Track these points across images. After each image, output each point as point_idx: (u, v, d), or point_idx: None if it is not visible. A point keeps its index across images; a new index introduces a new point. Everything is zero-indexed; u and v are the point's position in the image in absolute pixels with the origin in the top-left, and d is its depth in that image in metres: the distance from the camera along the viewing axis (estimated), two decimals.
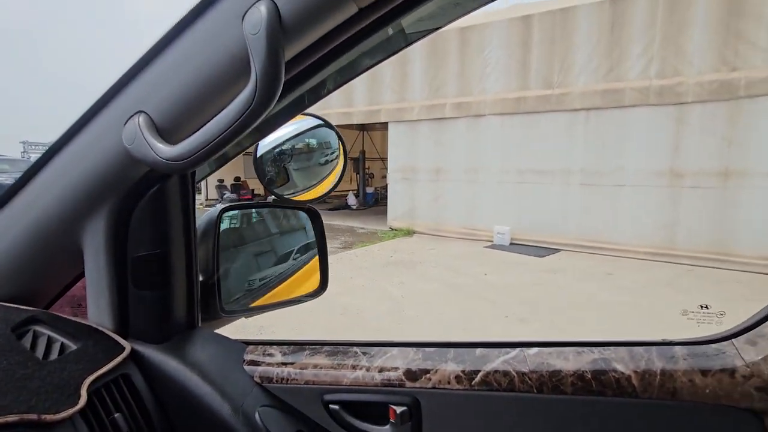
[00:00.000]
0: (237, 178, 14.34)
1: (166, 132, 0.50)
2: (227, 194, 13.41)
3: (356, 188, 14.45)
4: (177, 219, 0.62)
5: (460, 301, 4.79)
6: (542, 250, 7.19)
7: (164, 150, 0.47)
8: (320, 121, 0.80)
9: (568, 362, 0.58)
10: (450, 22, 0.54)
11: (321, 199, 0.92)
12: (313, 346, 0.67)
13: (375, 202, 13.77)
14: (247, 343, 0.70)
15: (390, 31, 0.52)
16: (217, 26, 0.45)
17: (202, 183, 14.41)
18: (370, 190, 14.22)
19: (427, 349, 0.64)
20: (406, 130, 9.21)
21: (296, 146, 0.83)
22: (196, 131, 0.47)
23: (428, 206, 9.05)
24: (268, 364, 0.65)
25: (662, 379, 0.54)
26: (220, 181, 13.92)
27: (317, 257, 0.88)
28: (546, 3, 7.48)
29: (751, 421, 0.52)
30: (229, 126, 0.43)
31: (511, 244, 7.67)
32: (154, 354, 0.62)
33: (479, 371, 0.59)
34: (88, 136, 0.54)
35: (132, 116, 0.50)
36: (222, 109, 0.45)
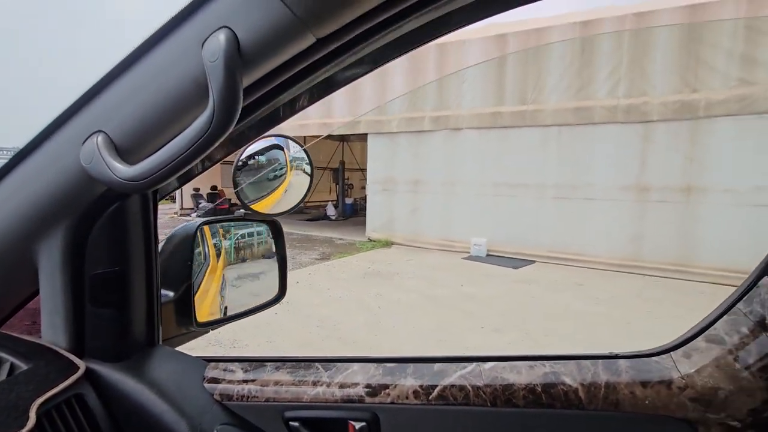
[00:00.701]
0: (214, 187, 14.09)
1: (126, 152, 0.50)
2: (203, 203, 13.14)
3: (335, 199, 14.42)
4: (137, 236, 0.61)
5: (437, 312, 4.82)
6: (517, 262, 7.33)
7: (122, 170, 0.47)
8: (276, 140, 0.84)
9: (520, 376, 0.61)
10: (406, 53, 0.56)
11: (291, 211, 0.94)
12: (275, 363, 0.68)
13: (354, 212, 13.75)
14: (209, 360, 0.69)
15: (351, 59, 0.54)
16: (179, 51, 0.46)
17: (177, 192, 14.09)
18: (349, 200, 14.21)
19: (387, 365, 0.65)
20: (386, 142, 9.30)
21: (261, 161, 0.85)
22: (155, 152, 0.48)
23: (406, 218, 9.12)
24: (229, 382, 0.65)
25: (606, 392, 0.57)
26: (196, 189, 13.64)
27: (278, 266, 0.91)
28: (520, 23, 7.76)
29: (686, 430, 0.56)
30: (186, 149, 0.44)
31: (488, 255, 7.80)
32: (110, 373, 0.61)
33: (436, 386, 0.61)
34: (45, 154, 0.54)
35: (91, 135, 0.50)
36: (181, 131, 0.46)
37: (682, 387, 0.56)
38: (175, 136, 0.47)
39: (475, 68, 8.05)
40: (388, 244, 9.10)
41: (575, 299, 5.32)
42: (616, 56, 6.78)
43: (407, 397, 0.61)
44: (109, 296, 0.61)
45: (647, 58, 6.57)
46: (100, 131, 0.50)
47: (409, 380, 0.62)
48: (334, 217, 13.19)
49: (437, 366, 0.64)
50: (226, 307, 0.99)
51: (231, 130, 0.44)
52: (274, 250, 0.95)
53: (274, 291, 0.96)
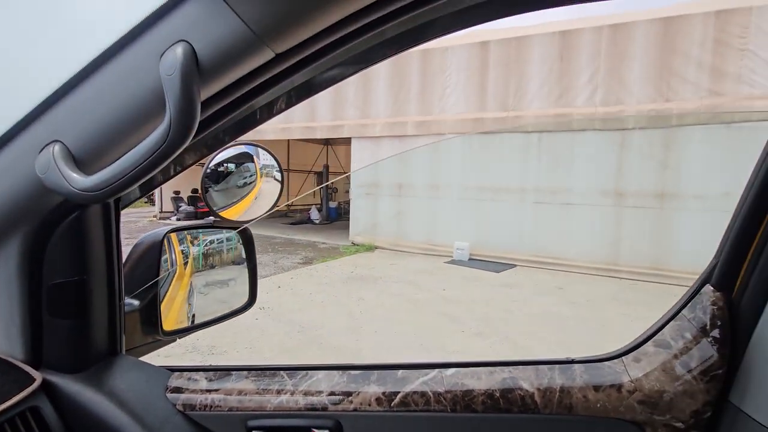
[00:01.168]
0: (194, 190, 13.84)
1: (84, 162, 0.50)
2: (183, 206, 12.91)
3: (319, 202, 14.36)
4: (99, 245, 0.61)
5: (419, 316, 4.84)
6: (499, 266, 7.43)
7: (78, 180, 0.47)
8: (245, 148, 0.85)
9: (480, 381, 0.62)
10: (367, 67, 0.58)
11: (261, 218, 0.95)
12: (240, 371, 0.68)
13: (338, 216, 13.71)
14: (173, 369, 0.69)
15: (312, 73, 0.55)
16: (137, 62, 0.47)
17: (156, 194, 13.80)
18: (333, 204, 14.17)
19: (352, 372, 0.66)
20: (370, 146, 9.32)
21: (229, 169, 0.85)
22: (113, 162, 0.48)
23: (390, 222, 9.14)
24: (192, 391, 0.65)
25: (561, 396, 0.60)
26: (176, 192, 13.38)
27: (248, 274, 0.91)
28: (502, 31, 7.92)
29: None
30: (143, 161, 0.45)
31: (470, 259, 7.87)
32: (68, 384, 0.60)
33: (399, 392, 0.62)
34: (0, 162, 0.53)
35: (47, 145, 0.50)
36: (140, 142, 0.46)
37: (631, 390, 0.58)
38: (133, 147, 0.47)
39: (458, 74, 8.16)
40: (371, 248, 9.10)
41: (555, 303, 5.42)
42: (593, 64, 6.98)
43: (370, 404, 0.62)
44: (69, 306, 0.60)
45: (623, 67, 6.78)
46: (57, 141, 0.49)
47: (372, 387, 0.63)
48: (318, 221, 13.12)
49: (400, 373, 0.65)
50: (194, 315, 0.99)
51: (188, 142, 0.45)
52: (244, 257, 0.95)
53: (245, 298, 0.96)
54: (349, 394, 0.63)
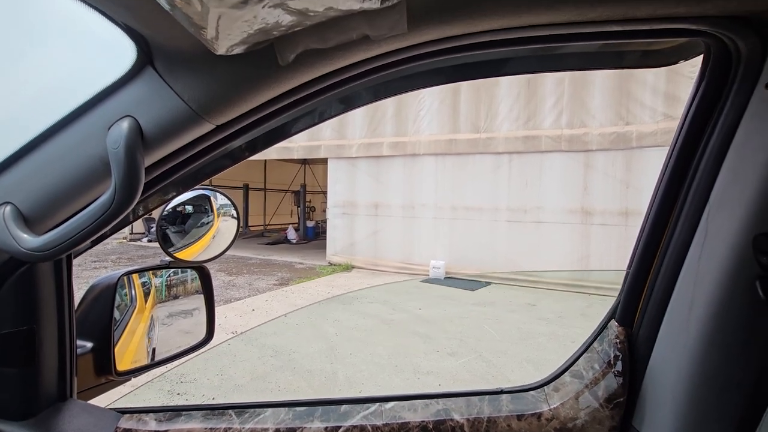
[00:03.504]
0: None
1: (34, 221, 0.53)
2: (154, 227, 12.56)
3: (297, 222, 14.27)
4: (49, 295, 0.63)
5: (394, 337, 4.85)
6: (474, 284, 7.54)
7: (27, 240, 0.50)
8: (202, 191, 0.89)
9: (416, 414, 0.67)
10: (309, 128, 0.64)
11: (220, 257, 0.98)
12: (189, 411, 0.70)
13: (316, 235, 13.65)
14: (123, 411, 0.71)
15: (252, 136, 0.61)
16: (87, 132, 0.51)
17: None
18: (311, 223, 14.11)
19: (297, 409, 0.70)
20: (346, 166, 9.41)
21: (187, 211, 0.89)
22: (63, 222, 0.51)
23: (367, 241, 9.18)
24: None
25: (488, 425, 0.65)
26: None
27: (206, 310, 0.94)
28: None
29: None
30: (89, 223, 0.49)
31: (446, 278, 7.97)
32: (16, 431, 0.61)
33: (341, 427, 0.66)
34: None
35: None
36: (89, 203, 0.50)
37: (549, 418, 0.64)
38: (82, 207, 0.51)
39: (432, 96, 8.42)
40: (348, 267, 9.08)
41: (527, 320, 5.54)
42: (558, 89, 7.34)
43: None
44: (16, 355, 0.62)
45: (586, 92, 7.17)
46: (8, 202, 0.53)
47: (315, 423, 0.67)
48: (294, 241, 13.01)
49: (343, 408, 0.69)
50: (154, 349, 1.00)
51: (133, 205, 0.49)
52: (202, 295, 0.98)
53: (201, 333, 0.98)
54: (293, 430, 0.66)
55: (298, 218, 14.27)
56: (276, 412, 0.69)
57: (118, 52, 0.49)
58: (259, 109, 0.53)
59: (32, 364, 0.63)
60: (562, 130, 7.32)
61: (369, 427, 0.66)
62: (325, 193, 13.86)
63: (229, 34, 0.38)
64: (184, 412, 0.70)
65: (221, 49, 0.40)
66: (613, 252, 6.93)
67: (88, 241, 0.53)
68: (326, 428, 0.66)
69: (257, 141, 0.64)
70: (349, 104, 0.66)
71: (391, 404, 0.69)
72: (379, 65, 0.52)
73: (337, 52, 0.46)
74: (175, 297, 1.07)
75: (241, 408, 0.70)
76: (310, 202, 15.48)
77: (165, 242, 0.86)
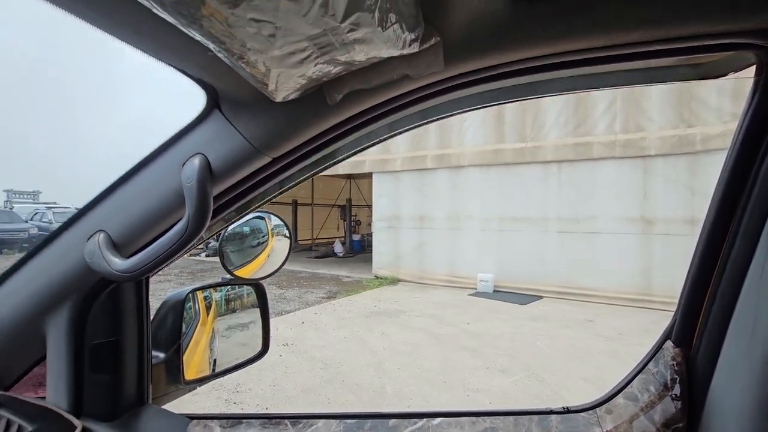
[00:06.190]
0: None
1: (121, 246, 0.62)
2: (212, 242, 13.37)
3: (343, 235, 14.56)
4: (131, 311, 0.72)
5: (442, 352, 4.77)
6: (524, 297, 7.26)
7: (117, 263, 0.59)
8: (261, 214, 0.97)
9: (463, 431, 0.68)
10: (356, 154, 0.69)
11: (276, 274, 1.06)
12: (249, 420, 0.76)
13: (362, 249, 13.83)
14: (191, 417, 0.78)
15: (305, 164, 0.66)
16: (166, 170, 0.59)
17: None
18: (357, 237, 14.34)
19: (347, 421, 0.73)
20: (390, 180, 9.52)
21: (244, 232, 0.97)
22: (145, 246, 0.59)
23: (413, 254, 9.17)
24: None
25: None
26: None
27: (261, 325, 1.01)
28: None
29: None
30: (167, 248, 0.56)
31: (495, 291, 7.74)
32: (103, 431, 0.70)
33: None
34: (56, 248, 0.66)
35: (93, 234, 0.62)
36: (166, 229, 0.58)
37: None
38: (161, 233, 0.58)
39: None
40: (394, 281, 9.10)
41: (584, 337, 5.23)
42: (611, 93, 7.00)
43: None
44: (106, 362, 0.71)
45: (642, 95, 6.78)
46: (101, 230, 0.62)
47: None
48: (341, 254, 13.27)
49: (392, 422, 0.71)
50: (215, 360, 1.08)
51: (204, 232, 0.56)
52: (257, 309, 1.05)
53: (258, 347, 1.05)
54: None
55: (345, 232, 14.57)
56: (327, 423, 0.73)
57: (191, 98, 0.56)
58: (310, 141, 0.59)
59: (118, 371, 0.72)
60: (616, 135, 6.95)
61: None
62: (370, 207, 14.08)
63: (286, 87, 0.43)
64: (244, 420, 0.76)
65: (279, 98, 0.46)
66: (679, 263, 6.39)
67: (165, 264, 0.60)
68: None
69: (308, 168, 0.70)
70: (392, 130, 0.70)
71: (437, 420, 0.70)
72: (418, 96, 0.55)
73: (379, 89, 0.50)
74: (233, 311, 1.16)
75: (295, 418, 0.75)
76: (356, 215, 15.77)
77: (226, 261, 0.94)
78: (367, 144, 0.72)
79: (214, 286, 1.00)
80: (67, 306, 0.68)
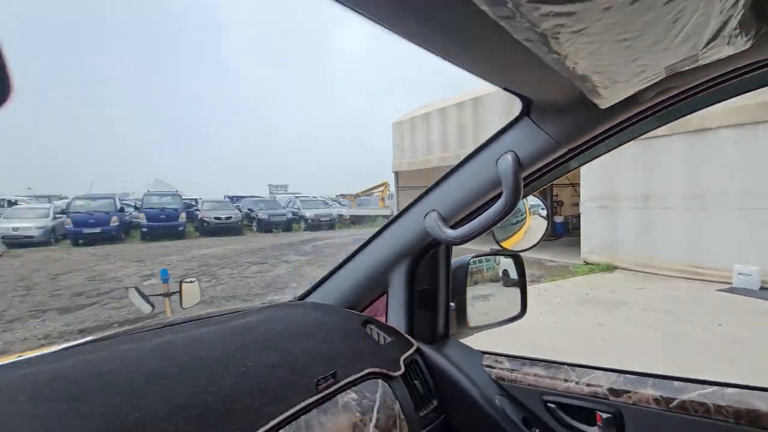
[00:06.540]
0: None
1: (446, 221, 0.88)
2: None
3: None
4: (443, 269, 1.00)
5: (686, 357, 4.05)
6: None
7: (449, 232, 0.85)
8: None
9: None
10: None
11: (532, 248, 1.21)
12: (532, 361, 0.94)
13: (565, 231, 12.76)
14: (483, 352, 1.01)
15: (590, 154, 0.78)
16: (484, 163, 0.81)
17: None
18: (559, 219, 13.29)
19: (628, 376, 0.82)
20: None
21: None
22: (465, 222, 0.83)
23: (634, 238, 7.91)
24: (500, 368, 0.95)
25: None
26: None
27: (519, 290, 1.18)
28: None
29: None
30: (490, 221, 0.77)
31: (761, 288, 5.96)
32: (427, 350, 1.00)
33: (676, 399, 0.74)
34: (397, 228, 0.98)
35: (429, 213, 0.90)
36: (477, 210, 0.80)
37: None
38: (473, 211, 0.81)
39: None
40: (609, 268, 8.10)
41: None
42: None
43: (648, 402, 0.76)
44: (427, 303, 1.01)
45: None
46: (434, 210, 0.89)
47: (648, 390, 0.77)
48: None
49: (676, 383, 0.77)
50: (485, 314, 1.32)
51: (512, 212, 0.75)
52: (516, 277, 1.22)
53: (516, 309, 1.22)
54: (627, 391, 0.79)
55: (546, 213, 13.69)
56: (607, 374, 0.84)
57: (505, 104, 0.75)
58: (602, 134, 0.70)
59: (434, 310, 1.01)
60: None
61: (710, 404, 0.71)
62: (573, 186, 12.77)
63: (616, 97, 0.55)
64: (527, 360, 0.94)
65: (604, 106, 0.58)
66: None
67: (483, 233, 0.83)
68: (661, 396, 0.75)
69: (591, 154, 0.81)
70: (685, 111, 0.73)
71: (732, 390, 0.71)
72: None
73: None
74: (491, 280, 1.37)
75: (573, 366, 0.89)
76: (557, 196, 14.59)
77: (495, 235, 1.15)
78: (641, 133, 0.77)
79: (486, 255, 1.23)
80: (405, 262, 1.01)
